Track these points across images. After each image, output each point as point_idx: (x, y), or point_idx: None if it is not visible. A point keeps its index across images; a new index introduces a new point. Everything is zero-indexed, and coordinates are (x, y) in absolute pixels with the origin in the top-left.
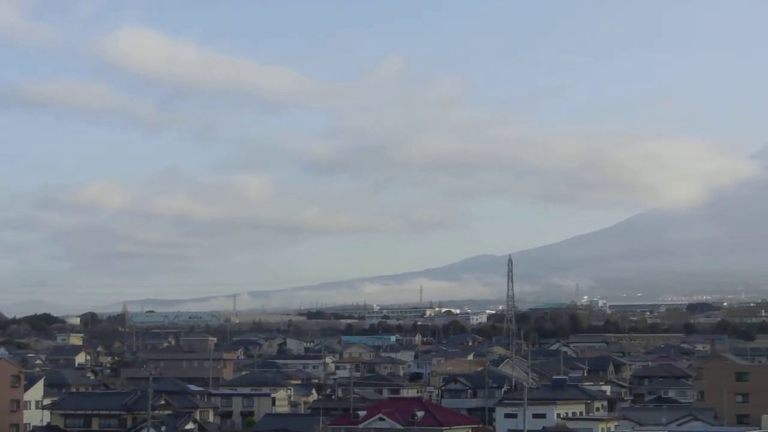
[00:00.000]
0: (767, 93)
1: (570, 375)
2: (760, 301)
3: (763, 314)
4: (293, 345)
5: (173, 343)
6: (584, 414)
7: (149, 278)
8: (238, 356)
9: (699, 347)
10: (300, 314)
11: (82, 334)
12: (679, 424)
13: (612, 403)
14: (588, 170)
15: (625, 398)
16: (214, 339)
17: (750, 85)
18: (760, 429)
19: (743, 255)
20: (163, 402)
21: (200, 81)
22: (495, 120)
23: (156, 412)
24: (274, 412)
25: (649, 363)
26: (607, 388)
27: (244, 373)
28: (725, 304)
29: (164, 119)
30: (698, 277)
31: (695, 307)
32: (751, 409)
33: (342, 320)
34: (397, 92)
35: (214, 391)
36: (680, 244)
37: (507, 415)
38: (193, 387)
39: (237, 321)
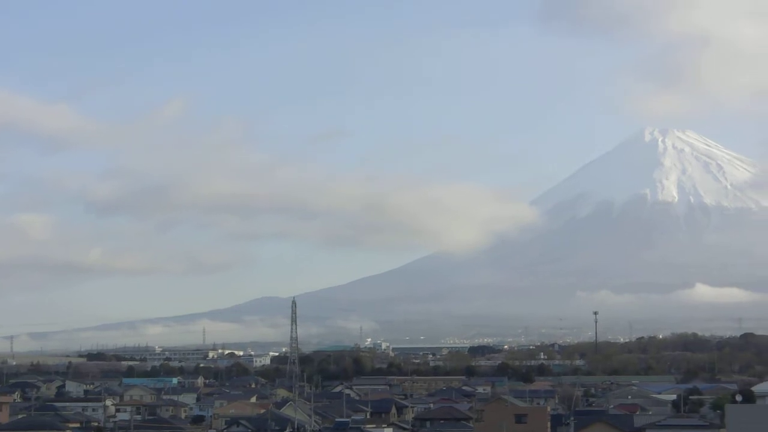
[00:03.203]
0: (545, 141)
1: (353, 417)
2: (539, 344)
3: (542, 357)
4: (72, 387)
5: None
6: None
7: None
8: (15, 399)
9: (480, 389)
10: (80, 356)
11: None
12: None
13: None
14: (372, 213)
15: None
16: None
17: (528, 133)
18: None
19: (523, 299)
20: None
21: None
22: (279, 162)
23: None
24: None
25: (431, 405)
26: (390, 431)
27: (20, 416)
28: (506, 347)
29: None
30: (480, 320)
31: (477, 350)
32: None
33: (123, 362)
34: (181, 133)
35: None
36: (463, 287)
37: None
38: None
39: (14, 363)
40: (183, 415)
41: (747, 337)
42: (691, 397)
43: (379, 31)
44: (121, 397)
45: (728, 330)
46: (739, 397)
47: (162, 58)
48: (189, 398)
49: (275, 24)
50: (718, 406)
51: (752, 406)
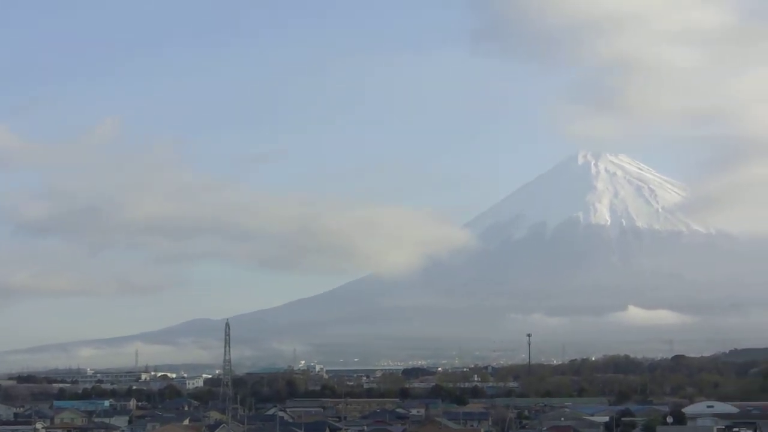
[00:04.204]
0: (480, 164)
1: None
2: (472, 366)
3: (476, 379)
4: (2, 410)
5: None
6: None
7: None
8: None
9: (414, 411)
10: (10, 378)
11: None
12: None
13: None
14: (306, 235)
15: None
16: None
17: (463, 155)
18: None
19: (457, 321)
20: None
21: None
22: (213, 184)
23: None
24: None
25: (365, 427)
26: None
27: None
28: (439, 369)
29: None
30: (414, 342)
31: (411, 372)
32: None
33: (54, 384)
34: (114, 153)
35: None
36: (397, 309)
37: None
38: None
39: None
40: None
41: (678, 359)
42: (623, 418)
43: (312, 55)
44: (52, 420)
45: (660, 352)
46: (670, 419)
47: (95, 78)
48: (121, 421)
49: (208, 45)
50: (649, 428)
51: (683, 427)
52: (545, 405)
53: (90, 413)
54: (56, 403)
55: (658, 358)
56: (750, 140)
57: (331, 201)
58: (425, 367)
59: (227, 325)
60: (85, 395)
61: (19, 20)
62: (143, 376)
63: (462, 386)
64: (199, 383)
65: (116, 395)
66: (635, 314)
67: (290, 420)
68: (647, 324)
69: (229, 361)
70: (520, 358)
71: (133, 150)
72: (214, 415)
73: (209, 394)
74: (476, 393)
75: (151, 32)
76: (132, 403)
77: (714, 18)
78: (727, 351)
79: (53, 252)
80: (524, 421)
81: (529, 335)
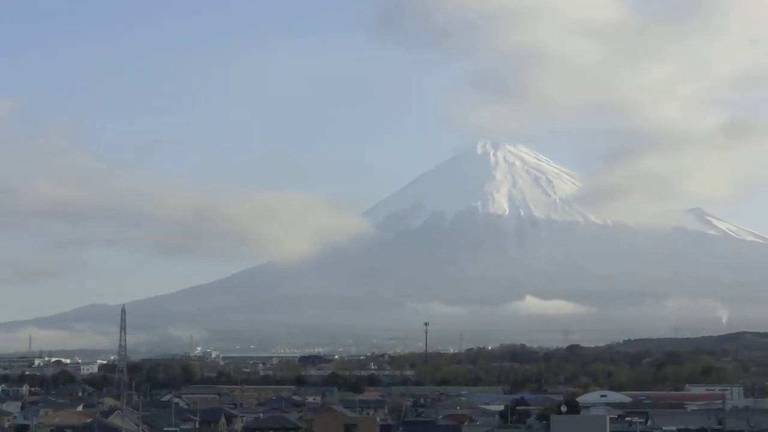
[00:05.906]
0: (379, 152)
1: (181, 427)
2: (369, 354)
3: (372, 367)
4: None
5: None
6: None
7: None
8: None
9: (310, 399)
10: None
11: None
12: None
13: None
14: (203, 222)
15: None
16: None
17: (362, 143)
18: None
19: (354, 309)
20: None
21: None
22: (108, 170)
23: None
24: None
25: (261, 415)
26: None
27: None
28: (336, 357)
29: None
30: (311, 329)
31: (307, 360)
32: None
33: None
34: (8, 136)
35: None
36: (294, 297)
37: None
38: None
39: None
40: (6, 424)
41: (573, 348)
42: (518, 407)
43: (209, 40)
44: None
45: (555, 342)
46: (564, 408)
47: None
48: (13, 407)
49: (104, 27)
50: (544, 417)
51: (576, 416)
52: (441, 393)
53: None
54: None
55: (554, 348)
56: (645, 134)
57: (229, 187)
58: (322, 354)
59: (123, 310)
60: None
61: None
62: (36, 362)
63: (358, 374)
64: (94, 369)
65: (8, 380)
66: (532, 304)
67: (186, 407)
68: (543, 314)
69: (125, 347)
70: (417, 346)
71: (28, 133)
72: (109, 402)
73: (104, 380)
74: (372, 381)
75: (46, 12)
76: (24, 389)
77: (613, 13)
78: (621, 341)
79: None
80: (420, 410)
81: (426, 324)
